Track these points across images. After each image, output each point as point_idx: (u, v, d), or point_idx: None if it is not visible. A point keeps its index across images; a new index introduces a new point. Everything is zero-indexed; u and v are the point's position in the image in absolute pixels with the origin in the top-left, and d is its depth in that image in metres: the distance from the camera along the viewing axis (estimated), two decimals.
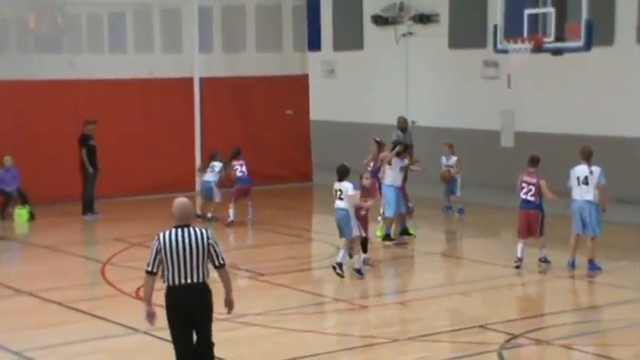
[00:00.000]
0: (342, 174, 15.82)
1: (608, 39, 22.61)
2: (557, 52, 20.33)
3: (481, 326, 13.04)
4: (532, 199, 16.25)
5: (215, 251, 9.68)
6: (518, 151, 25.01)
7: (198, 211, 20.90)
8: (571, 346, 12.30)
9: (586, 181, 15.87)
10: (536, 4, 21.91)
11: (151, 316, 9.86)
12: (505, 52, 20.17)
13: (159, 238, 9.62)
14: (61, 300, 14.58)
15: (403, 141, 19.76)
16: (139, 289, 15.04)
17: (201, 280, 9.62)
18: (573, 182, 16.01)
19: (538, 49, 19.48)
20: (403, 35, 27.87)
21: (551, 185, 16.37)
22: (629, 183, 21.76)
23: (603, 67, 23.07)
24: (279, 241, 19.59)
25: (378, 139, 19.97)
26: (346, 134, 28.60)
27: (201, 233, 9.65)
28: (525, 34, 19.57)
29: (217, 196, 21.12)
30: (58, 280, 16.14)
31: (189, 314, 9.67)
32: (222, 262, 9.73)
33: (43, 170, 23.31)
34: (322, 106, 28.68)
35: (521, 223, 16.42)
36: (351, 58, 29.61)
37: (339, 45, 30.05)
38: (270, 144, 25.98)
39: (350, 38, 29.63)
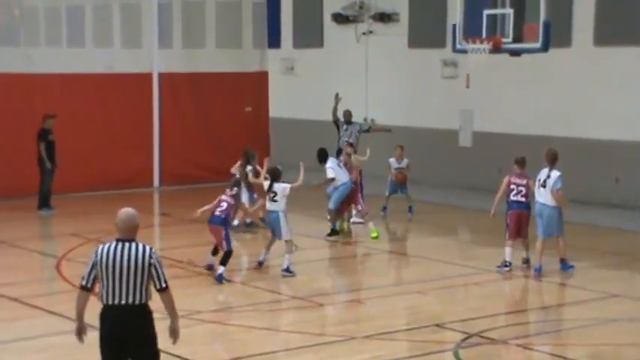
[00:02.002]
0: (277, 176, 15.90)
1: (565, 40, 22.80)
2: (515, 52, 20.43)
3: (437, 325, 13.09)
4: (523, 199, 16.30)
5: (157, 272, 8.67)
6: (476, 150, 25.21)
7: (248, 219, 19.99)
8: (527, 345, 12.37)
9: (544, 184, 15.99)
10: (494, 5, 21.98)
11: (80, 331, 8.95)
12: (464, 52, 20.25)
13: (96, 252, 8.72)
14: (16, 295, 14.45)
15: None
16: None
17: (138, 302, 8.63)
18: (536, 184, 16.13)
19: (497, 49, 19.58)
20: (363, 34, 27.92)
21: None
22: (587, 184, 21.97)
23: (561, 69, 23.26)
24: (236, 237, 19.55)
25: (350, 140, 20.17)
26: (305, 132, 28.62)
27: (144, 251, 8.68)
28: (484, 35, 19.66)
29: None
30: (13, 276, 16.01)
31: (123, 340, 8.67)
32: (164, 285, 8.69)
33: None
34: (281, 104, 28.68)
35: (515, 223, 16.31)
36: (311, 55, 29.62)
37: (298, 43, 30.05)
38: (229, 141, 25.87)
39: (310, 36, 29.63)
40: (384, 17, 27.42)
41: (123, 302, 8.64)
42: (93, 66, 24.87)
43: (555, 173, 15.96)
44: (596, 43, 22.89)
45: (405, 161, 21.32)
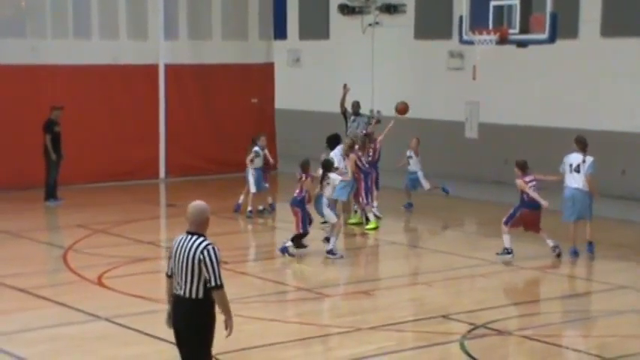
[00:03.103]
0: (329, 166, 17.04)
1: (572, 32, 22.76)
2: (522, 44, 20.39)
3: (443, 316, 13.10)
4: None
5: (207, 269, 8.57)
6: (482, 142, 25.20)
7: (250, 207, 20.21)
8: (533, 336, 12.37)
9: (578, 169, 16.22)
10: None
11: (169, 317, 9.06)
12: (470, 43, 20.20)
13: (174, 241, 8.86)
14: (22, 286, 14.47)
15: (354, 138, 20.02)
16: (101, 275, 15.00)
17: (188, 295, 8.66)
18: (566, 169, 16.27)
19: (503, 40, 19.54)
20: (369, 25, 27.89)
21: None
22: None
23: (567, 60, 23.22)
24: (242, 229, 19.59)
25: (365, 131, 20.05)
26: (311, 123, 28.60)
27: (197, 246, 8.62)
28: (491, 26, 19.62)
29: (252, 187, 20.27)
30: (19, 267, 16.03)
31: (176, 330, 8.87)
32: (214, 283, 8.58)
33: (5, 155, 23.17)
34: (287, 95, 28.66)
35: (530, 222, 16.52)
36: (317, 47, 29.60)
37: (305, 34, 30.03)
38: (235, 132, 25.89)
39: (316, 27, 29.61)
40: (390, 8, 27.39)
41: (178, 293, 8.76)
42: (99, 57, 24.88)
43: (590, 158, 16.26)
44: (603, 34, 22.84)
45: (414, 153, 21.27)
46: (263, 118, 27.27)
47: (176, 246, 8.78)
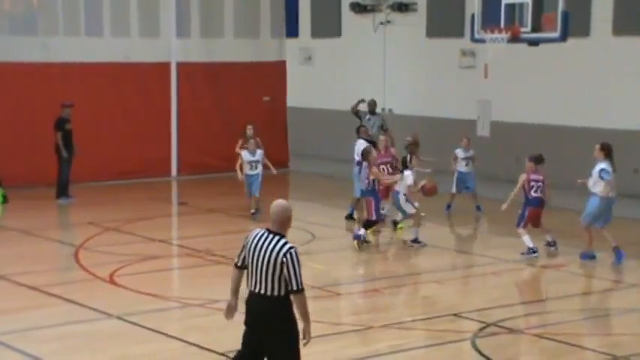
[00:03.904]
0: (405, 164, 17.63)
1: (584, 30, 22.71)
2: (533, 42, 20.37)
3: (455, 314, 13.08)
4: (541, 194, 16.62)
5: (289, 273, 8.49)
6: (494, 140, 25.15)
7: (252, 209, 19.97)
8: (544, 335, 12.35)
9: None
10: None
11: (229, 310, 9.00)
12: (482, 41, 20.18)
13: (248, 235, 8.80)
14: (33, 284, 14.49)
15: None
16: (112, 273, 15.02)
17: (270, 293, 8.55)
18: (611, 177, 16.23)
19: (515, 39, 19.52)
20: (381, 23, 27.87)
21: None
22: None
23: (579, 59, 23.17)
24: (254, 227, 19.56)
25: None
26: (323, 121, 28.61)
27: (280, 248, 8.52)
28: (502, 24, 19.59)
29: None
30: (31, 264, 16.06)
31: (256, 331, 8.67)
32: (295, 287, 8.51)
33: (17, 153, 23.22)
34: (299, 93, 28.67)
35: (534, 219, 16.66)
36: (329, 45, 29.60)
37: (316, 32, 30.03)
38: None
39: (328, 25, 29.61)
40: (401, 7, 27.37)
41: (256, 290, 8.64)
42: (111, 55, 24.90)
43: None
44: (615, 32, 22.78)
45: (472, 152, 21.10)
46: (275, 116, 27.29)
47: (254, 241, 8.69)
